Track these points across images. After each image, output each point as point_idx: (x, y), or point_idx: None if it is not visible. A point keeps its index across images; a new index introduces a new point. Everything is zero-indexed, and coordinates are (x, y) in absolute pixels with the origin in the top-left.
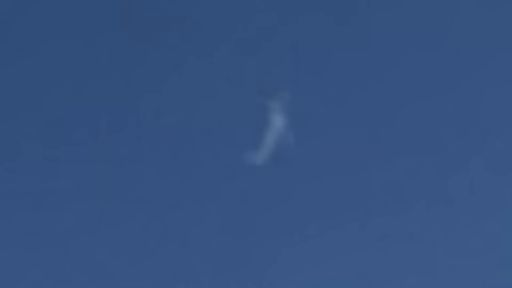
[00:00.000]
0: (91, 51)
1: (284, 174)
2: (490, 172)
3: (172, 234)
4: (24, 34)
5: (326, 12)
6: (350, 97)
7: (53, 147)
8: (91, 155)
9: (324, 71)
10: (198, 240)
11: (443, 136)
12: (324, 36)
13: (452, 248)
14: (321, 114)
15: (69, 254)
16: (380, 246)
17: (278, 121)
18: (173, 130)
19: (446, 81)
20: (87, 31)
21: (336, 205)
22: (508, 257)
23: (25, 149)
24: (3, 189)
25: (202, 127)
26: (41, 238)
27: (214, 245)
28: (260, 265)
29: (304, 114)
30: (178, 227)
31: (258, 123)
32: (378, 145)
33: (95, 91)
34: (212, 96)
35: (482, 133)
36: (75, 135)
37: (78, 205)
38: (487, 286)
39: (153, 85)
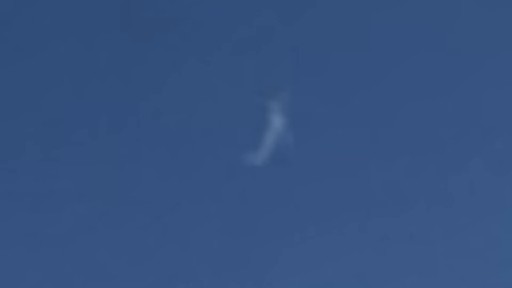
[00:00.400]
0: (91, 51)
1: (284, 175)
2: (490, 172)
3: (171, 235)
4: (24, 34)
5: (326, 12)
6: (350, 97)
7: (52, 147)
8: (91, 155)
9: (324, 71)
10: (198, 241)
11: (443, 136)
12: (324, 36)
13: (452, 248)
14: (320, 114)
15: (68, 254)
16: (380, 246)
17: (277, 122)
18: (173, 130)
19: (446, 81)
20: (87, 31)
21: (336, 205)
22: (508, 257)
23: (25, 150)
24: (3, 190)
25: (202, 128)
26: (41, 239)
27: (213, 245)
28: (259, 266)
29: (303, 115)
30: (178, 228)
31: (258, 124)
32: (378, 145)
33: (94, 92)
34: (212, 96)
35: (482, 133)
36: (74, 135)
37: (77, 206)
38: (487, 287)
39: (153, 85)
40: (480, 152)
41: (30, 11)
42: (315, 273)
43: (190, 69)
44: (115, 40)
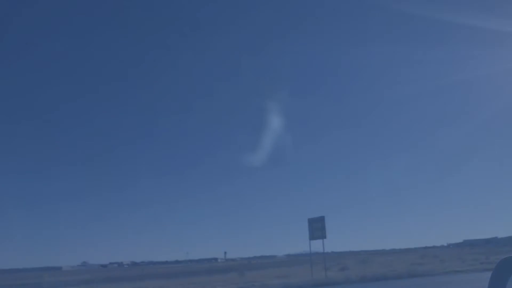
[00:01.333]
0: (89, 51)
1: (282, 175)
2: (490, 173)
3: (170, 235)
4: (24, 34)
5: (326, 12)
6: (350, 98)
7: (52, 148)
8: (89, 156)
9: (323, 72)
10: (197, 241)
11: (443, 136)
12: (323, 36)
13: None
14: (319, 115)
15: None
16: (380, 246)
17: (276, 123)
18: (171, 131)
19: (446, 81)
20: (86, 31)
21: (335, 206)
22: None
23: (24, 150)
24: (2, 190)
25: (200, 129)
26: (40, 239)
27: (212, 246)
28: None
29: (302, 116)
30: (176, 228)
31: (256, 125)
32: (378, 146)
33: (93, 92)
34: (210, 96)
35: (482, 133)
36: (73, 136)
37: (76, 206)
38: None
39: (151, 85)
40: (479, 152)
41: (29, 11)
42: None
43: (188, 70)
44: (115, 40)
